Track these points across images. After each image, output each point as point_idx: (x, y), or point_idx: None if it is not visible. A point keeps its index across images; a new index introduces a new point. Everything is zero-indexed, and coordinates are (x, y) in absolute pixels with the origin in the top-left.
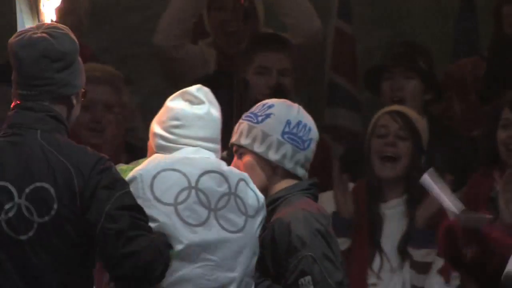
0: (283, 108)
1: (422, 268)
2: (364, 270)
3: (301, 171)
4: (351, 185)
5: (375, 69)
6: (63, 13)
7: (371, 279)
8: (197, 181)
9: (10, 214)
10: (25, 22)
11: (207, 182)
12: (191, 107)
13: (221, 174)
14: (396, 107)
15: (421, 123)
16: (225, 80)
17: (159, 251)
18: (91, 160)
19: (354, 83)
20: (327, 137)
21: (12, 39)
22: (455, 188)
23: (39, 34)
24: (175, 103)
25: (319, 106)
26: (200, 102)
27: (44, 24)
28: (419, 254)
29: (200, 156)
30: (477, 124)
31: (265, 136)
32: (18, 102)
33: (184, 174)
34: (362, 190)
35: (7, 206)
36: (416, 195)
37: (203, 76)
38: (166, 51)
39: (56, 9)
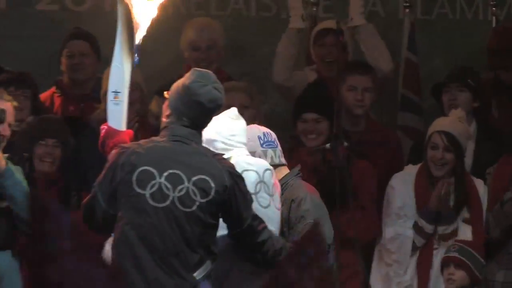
0: (250, 132)
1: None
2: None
3: (284, 160)
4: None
5: (438, 84)
6: (205, 47)
7: (435, 244)
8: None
9: (181, 193)
10: (122, 34)
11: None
12: (237, 122)
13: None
14: (444, 126)
15: (463, 134)
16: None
17: (276, 237)
18: (231, 165)
19: (418, 95)
20: (400, 134)
21: (196, 88)
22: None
23: (217, 92)
24: (225, 120)
25: (394, 112)
26: (239, 118)
27: (209, 74)
28: (441, 229)
29: (248, 154)
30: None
31: (263, 153)
32: (177, 119)
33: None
34: (424, 175)
35: (179, 187)
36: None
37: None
38: (280, 82)
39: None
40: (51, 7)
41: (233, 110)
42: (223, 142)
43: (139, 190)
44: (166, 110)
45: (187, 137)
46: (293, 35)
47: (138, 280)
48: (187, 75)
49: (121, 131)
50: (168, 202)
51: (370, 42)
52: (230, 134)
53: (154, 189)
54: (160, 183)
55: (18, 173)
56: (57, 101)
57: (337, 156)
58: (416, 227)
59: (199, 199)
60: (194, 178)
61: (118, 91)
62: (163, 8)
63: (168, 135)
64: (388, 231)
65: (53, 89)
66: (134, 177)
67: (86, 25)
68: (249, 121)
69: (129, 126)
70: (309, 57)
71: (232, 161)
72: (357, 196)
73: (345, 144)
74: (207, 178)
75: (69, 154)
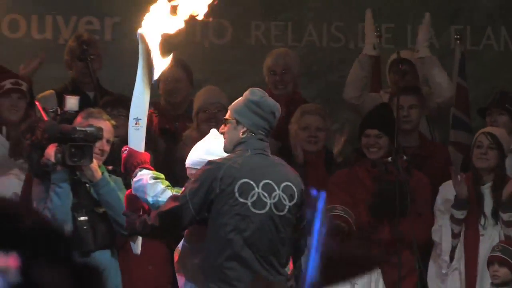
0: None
1: (508, 224)
2: (475, 225)
3: None
4: (463, 176)
5: (482, 109)
6: (281, 72)
7: (481, 231)
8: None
9: (275, 200)
10: (143, 78)
11: None
12: (222, 141)
13: None
14: (488, 129)
15: (504, 138)
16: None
17: None
18: (296, 171)
19: (467, 115)
20: (451, 149)
21: (265, 101)
22: None
23: (275, 103)
24: (212, 140)
25: (447, 130)
26: (221, 137)
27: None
28: (506, 216)
29: None
30: None
31: None
32: (253, 134)
33: None
34: (470, 179)
35: (273, 195)
36: (499, 180)
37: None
38: (350, 100)
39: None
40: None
41: (215, 131)
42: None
43: (241, 200)
44: (240, 128)
45: (265, 149)
46: (365, 60)
47: (246, 274)
48: (247, 95)
49: (141, 152)
50: (267, 209)
51: (433, 71)
52: (221, 152)
53: (254, 198)
54: (258, 192)
55: (117, 182)
56: (155, 120)
57: (398, 169)
58: (451, 217)
59: (288, 203)
60: (282, 185)
61: (139, 118)
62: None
63: (250, 149)
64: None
65: (151, 110)
66: (236, 189)
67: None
68: (323, 142)
69: None
70: (378, 81)
71: None
72: (414, 203)
73: (404, 157)
74: (290, 184)
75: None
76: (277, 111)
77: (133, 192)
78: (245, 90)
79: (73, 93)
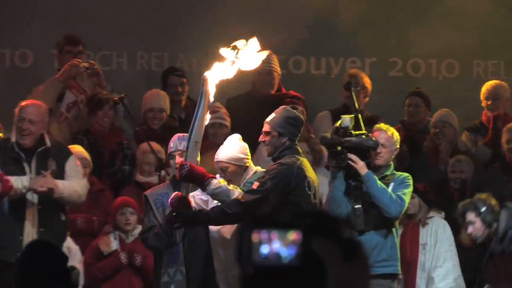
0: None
1: None
2: None
3: None
4: None
5: None
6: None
7: None
8: None
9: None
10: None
11: None
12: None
13: None
14: None
15: None
16: None
17: None
18: None
19: None
20: None
21: (301, 118)
22: None
23: (302, 118)
24: (241, 143)
25: None
26: None
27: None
28: None
29: None
30: None
31: None
32: (291, 142)
33: None
34: None
35: (316, 189)
36: None
37: None
38: None
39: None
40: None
41: (238, 135)
42: (248, 160)
43: (309, 192)
44: (282, 138)
45: (302, 153)
46: None
47: None
48: (283, 112)
49: (199, 167)
50: (316, 200)
51: None
52: (248, 153)
53: (313, 191)
54: (315, 187)
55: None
56: (401, 134)
57: None
58: None
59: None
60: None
61: (198, 141)
62: None
63: (296, 154)
64: None
65: (399, 125)
66: (305, 184)
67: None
68: None
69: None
70: None
71: (255, 170)
72: None
73: None
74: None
75: None
76: (303, 123)
77: (213, 196)
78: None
79: (341, 113)
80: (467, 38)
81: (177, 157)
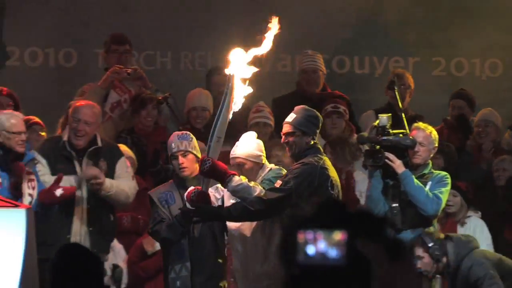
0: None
1: None
2: None
3: None
4: None
5: None
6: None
7: None
8: None
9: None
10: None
11: None
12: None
13: None
14: None
15: None
16: None
17: None
18: None
19: None
20: None
21: (320, 116)
22: None
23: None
24: (258, 140)
25: None
26: None
27: None
28: None
29: None
30: None
31: None
32: (314, 141)
33: None
34: None
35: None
36: None
37: None
38: None
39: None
40: None
41: (254, 133)
42: (263, 157)
43: (332, 192)
44: (306, 138)
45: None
46: None
47: None
48: (303, 112)
49: (221, 162)
50: (340, 199)
51: None
52: (263, 150)
53: (336, 191)
54: (338, 187)
55: None
56: (445, 133)
57: None
58: None
59: None
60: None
61: (221, 137)
62: None
63: (319, 153)
64: None
65: (442, 124)
66: (328, 183)
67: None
68: None
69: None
70: None
71: (270, 168)
72: None
73: None
74: None
75: None
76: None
77: (234, 192)
78: None
79: (385, 112)
80: (511, 37)
81: (180, 157)
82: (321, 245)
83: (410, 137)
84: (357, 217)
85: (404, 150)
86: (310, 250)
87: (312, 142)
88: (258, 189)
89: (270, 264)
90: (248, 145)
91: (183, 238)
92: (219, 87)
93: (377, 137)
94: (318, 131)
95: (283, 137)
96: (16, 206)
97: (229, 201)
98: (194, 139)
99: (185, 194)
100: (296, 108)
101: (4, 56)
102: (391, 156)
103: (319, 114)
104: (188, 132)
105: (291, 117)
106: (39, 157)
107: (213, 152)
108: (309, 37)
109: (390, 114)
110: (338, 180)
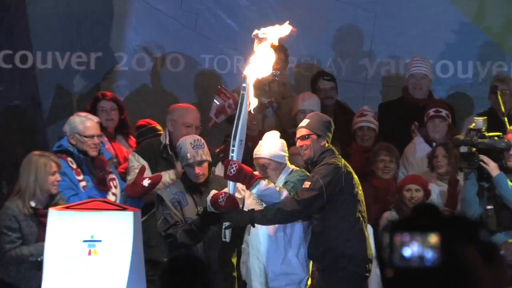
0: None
1: None
2: None
3: None
4: None
5: None
6: None
7: None
8: None
9: None
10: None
11: None
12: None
13: None
14: None
15: None
16: None
17: None
18: None
19: None
20: None
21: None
22: None
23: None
24: (281, 140)
25: None
26: None
27: None
28: None
29: None
30: None
31: None
32: (328, 143)
33: None
34: None
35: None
36: None
37: None
38: None
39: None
40: None
41: (277, 133)
42: (287, 157)
43: (357, 190)
44: (321, 141)
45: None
46: None
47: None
48: (317, 116)
49: (246, 166)
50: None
51: None
52: (286, 150)
53: (358, 189)
54: (359, 185)
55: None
56: None
57: None
58: None
59: None
60: None
61: (242, 139)
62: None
63: (336, 154)
64: None
65: None
66: (354, 182)
67: None
68: None
69: None
70: None
71: (292, 169)
72: None
73: None
74: None
75: None
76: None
77: (261, 196)
78: None
79: (490, 117)
80: None
81: (196, 167)
82: (417, 247)
83: (505, 140)
84: (451, 220)
85: (499, 153)
86: (407, 252)
87: (327, 145)
88: (285, 192)
89: (290, 263)
90: (273, 145)
91: (198, 243)
92: (325, 92)
93: (472, 139)
94: (331, 135)
95: (298, 141)
96: (124, 209)
97: (250, 200)
98: (205, 144)
99: (209, 198)
100: (309, 114)
101: (112, 61)
102: (485, 158)
103: (331, 119)
104: (199, 138)
105: (304, 121)
106: (140, 160)
107: (238, 155)
108: (410, 42)
109: (486, 117)
110: (358, 179)
